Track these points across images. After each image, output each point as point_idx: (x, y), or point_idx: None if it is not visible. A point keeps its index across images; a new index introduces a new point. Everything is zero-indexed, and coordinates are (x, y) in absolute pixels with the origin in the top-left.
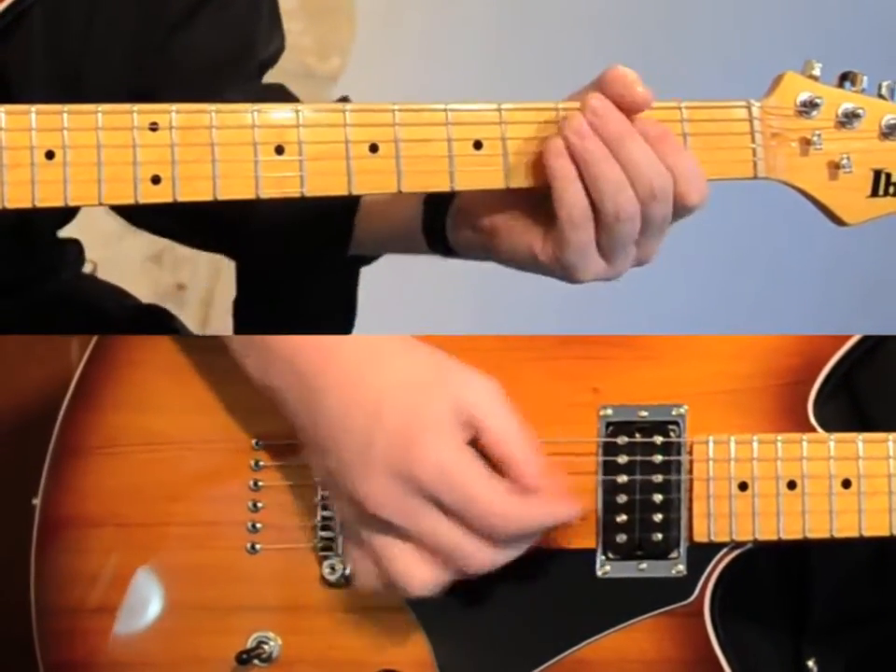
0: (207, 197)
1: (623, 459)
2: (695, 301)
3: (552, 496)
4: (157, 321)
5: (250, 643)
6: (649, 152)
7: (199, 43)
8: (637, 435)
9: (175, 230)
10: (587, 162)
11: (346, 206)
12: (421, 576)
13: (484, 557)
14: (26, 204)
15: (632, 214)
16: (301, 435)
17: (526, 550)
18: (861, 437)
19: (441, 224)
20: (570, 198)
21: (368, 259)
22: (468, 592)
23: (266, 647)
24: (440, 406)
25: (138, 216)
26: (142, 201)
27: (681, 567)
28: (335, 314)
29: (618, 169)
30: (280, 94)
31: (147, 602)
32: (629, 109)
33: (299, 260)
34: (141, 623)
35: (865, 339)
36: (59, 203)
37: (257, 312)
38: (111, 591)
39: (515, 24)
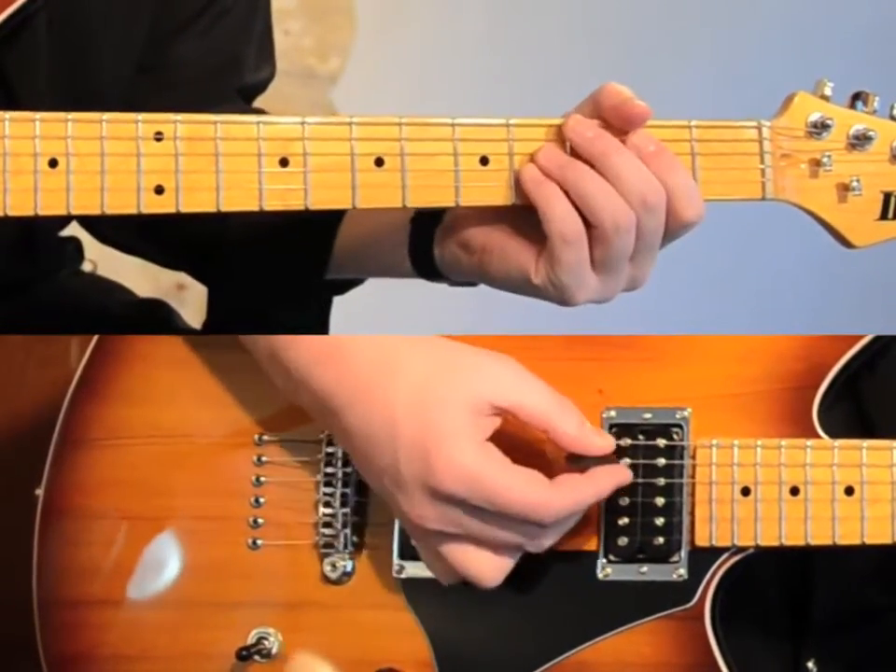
0: (210, 208)
1: (625, 462)
2: (698, 300)
3: (584, 476)
4: (158, 315)
5: (251, 639)
6: (637, 165)
7: (185, 57)
8: (641, 437)
9: (142, 248)
10: (572, 185)
11: (325, 229)
12: (491, 570)
13: (541, 540)
14: (28, 212)
15: (628, 224)
16: (345, 451)
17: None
18: (864, 444)
19: (429, 242)
20: (559, 216)
21: (342, 289)
22: (468, 592)
23: (266, 643)
24: (453, 411)
25: (104, 231)
26: (145, 211)
27: (682, 571)
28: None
29: (604, 183)
30: None
31: (151, 592)
32: (627, 123)
33: (271, 285)
34: (146, 614)
35: (871, 343)
36: (61, 211)
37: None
38: (113, 583)
39: (515, 25)
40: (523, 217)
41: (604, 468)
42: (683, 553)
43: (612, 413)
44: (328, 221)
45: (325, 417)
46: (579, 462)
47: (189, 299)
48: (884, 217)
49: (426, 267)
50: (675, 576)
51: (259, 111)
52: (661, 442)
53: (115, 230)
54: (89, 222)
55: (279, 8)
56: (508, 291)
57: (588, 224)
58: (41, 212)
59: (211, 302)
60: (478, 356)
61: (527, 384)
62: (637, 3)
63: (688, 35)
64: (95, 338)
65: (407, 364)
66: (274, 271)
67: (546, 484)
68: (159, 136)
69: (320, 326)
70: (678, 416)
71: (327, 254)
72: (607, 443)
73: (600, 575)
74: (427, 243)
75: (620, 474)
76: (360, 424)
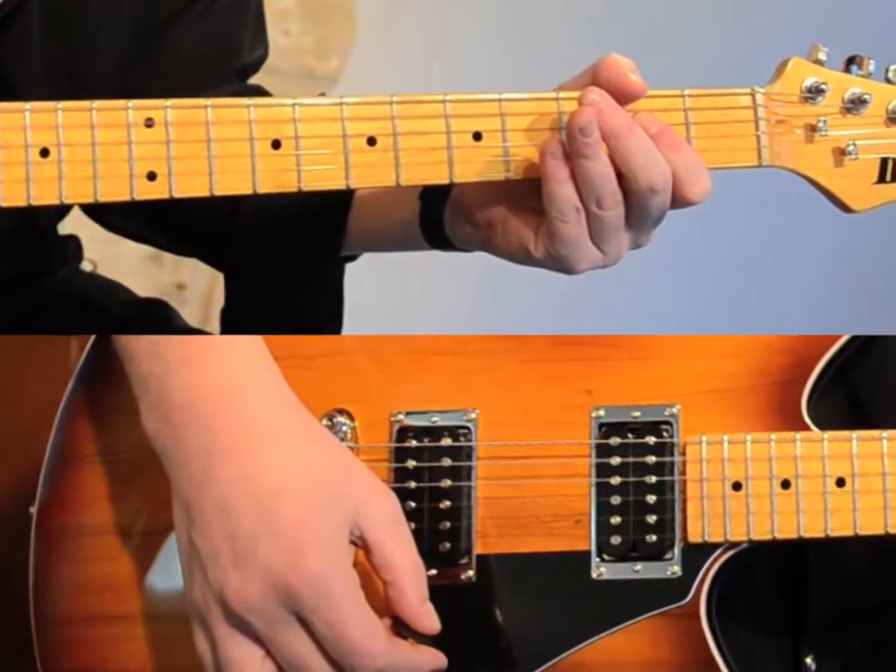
0: (204, 193)
1: (616, 461)
2: (690, 300)
3: (413, 649)
4: (156, 315)
5: None
6: (650, 147)
7: (182, 43)
8: (630, 436)
9: (153, 235)
10: (580, 157)
11: (337, 209)
12: None
13: None
14: (21, 203)
15: (613, 203)
16: (175, 491)
17: None
18: (854, 435)
19: (439, 218)
20: (561, 197)
21: (353, 256)
22: (465, 593)
23: None
24: (337, 522)
25: (112, 220)
26: (138, 197)
27: (676, 569)
28: (323, 316)
29: (605, 163)
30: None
31: (153, 607)
32: (621, 98)
33: (288, 265)
34: (148, 629)
35: (857, 337)
36: (54, 201)
37: (244, 320)
38: (114, 599)
39: (516, 25)
40: (522, 190)
41: (431, 650)
42: (676, 550)
43: (601, 413)
44: (340, 200)
45: (192, 449)
46: (404, 628)
47: (189, 299)
48: (881, 180)
49: (438, 240)
50: (669, 573)
51: (258, 88)
52: (650, 440)
53: (124, 219)
54: (96, 212)
55: (279, 8)
56: (514, 262)
57: (584, 202)
58: (34, 202)
59: (227, 288)
60: (371, 480)
61: (401, 529)
62: None
63: (679, 4)
64: (87, 349)
65: (303, 453)
66: (289, 253)
67: (384, 637)
68: (149, 123)
69: (336, 297)
70: (666, 413)
71: (341, 233)
72: (435, 626)
73: (594, 574)
74: (437, 218)
75: (440, 661)
76: (233, 487)
